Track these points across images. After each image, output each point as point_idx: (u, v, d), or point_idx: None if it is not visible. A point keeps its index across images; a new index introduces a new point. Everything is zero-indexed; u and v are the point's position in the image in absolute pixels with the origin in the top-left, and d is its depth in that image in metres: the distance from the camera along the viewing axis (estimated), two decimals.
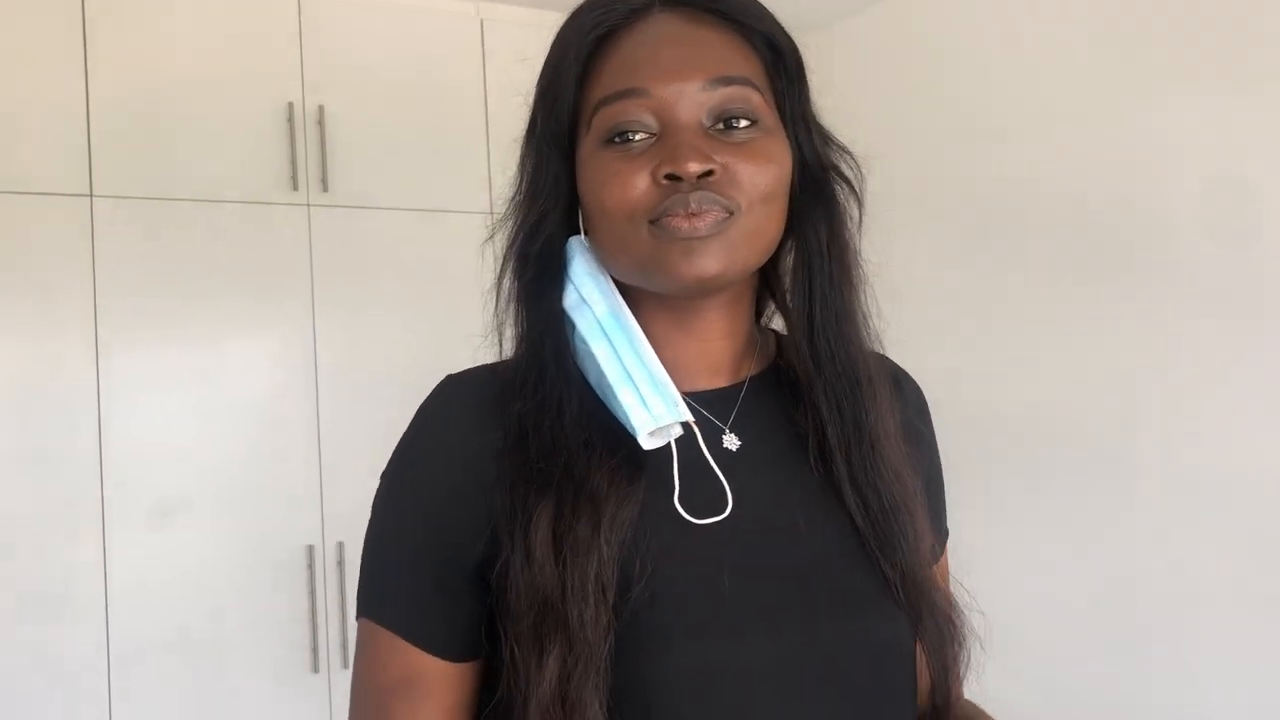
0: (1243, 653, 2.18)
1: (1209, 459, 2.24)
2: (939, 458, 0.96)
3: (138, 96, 2.45)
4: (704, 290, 0.78)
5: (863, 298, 0.85)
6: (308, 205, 2.60)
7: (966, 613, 0.88)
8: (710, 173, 0.75)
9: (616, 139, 0.77)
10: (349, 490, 2.57)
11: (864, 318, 0.85)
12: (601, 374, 0.78)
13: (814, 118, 0.85)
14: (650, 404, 0.76)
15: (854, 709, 0.78)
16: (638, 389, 0.77)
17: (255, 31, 2.59)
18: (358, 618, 0.82)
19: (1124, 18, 2.39)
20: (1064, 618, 2.52)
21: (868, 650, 0.79)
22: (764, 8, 0.82)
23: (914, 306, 2.81)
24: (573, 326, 0.81)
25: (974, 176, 2.75)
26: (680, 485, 0.78)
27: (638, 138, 0.76)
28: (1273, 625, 2.13)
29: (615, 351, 0.78)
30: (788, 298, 0.87)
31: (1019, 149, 2.63)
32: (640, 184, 0.75)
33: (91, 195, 2.38)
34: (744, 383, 0.86)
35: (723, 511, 0.79)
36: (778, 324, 0.91)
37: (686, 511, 0.78)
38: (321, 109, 2.61)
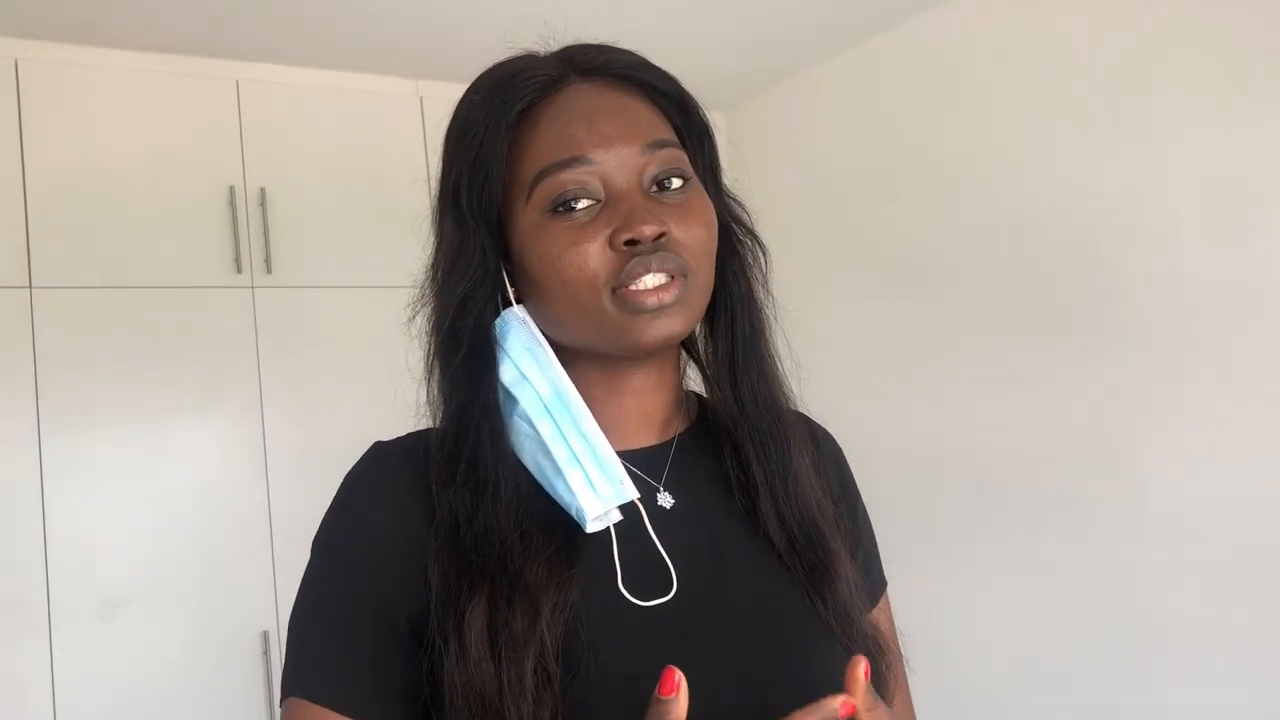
0: (1200, 689, 2.21)
1: (1153, 498, 2.29)
2: (864, 507, 0.97)
3: (76, 186, 2.45)
4: (661, 350, 0.80)
5: (773, 342, 0.88)
6: (252, 288, 2.60)
7: (897, 648, 0.89)
8: (663, 235, 0.76)
9: (561, 208, 0.77)
10: (303, 573, 2.53)
11: (779, 360, 0.88)
12: (543, 453, 0.78)
13: (720, 175, 0.88)
14: (598, 487, 0.76)
15: None
16: (585, 472, 0.76)
17: (195, 117, 2.61)
18: (281, 702, 0.77)
19: (1056, 69, 2.48)
20: (1016, 660, 2.53)
21: (810, 696, 0.78)
22: (668, 73, 0.84)
23: (844, 355, 2.86)
24: (510, 402, 0.80)
25: (897, 224, 2.82)
26: (622, 567, 0.78)
27: (582, 205, 0.77)
28: (1227, 660, 2.16)
29: (560, 431, 0.77)
30: (700, 346, 0.89)
31: (949, 198, 2.70)
32: (596, 252, 0.76)
33: (31, 287, 2.37)
34: (673, 440, 0.87)
35: (668, 593, 0.78)
36: (694, 384, 0.93)
37: (631, 594, 0.77)
38: (263, 191, 2.63)
